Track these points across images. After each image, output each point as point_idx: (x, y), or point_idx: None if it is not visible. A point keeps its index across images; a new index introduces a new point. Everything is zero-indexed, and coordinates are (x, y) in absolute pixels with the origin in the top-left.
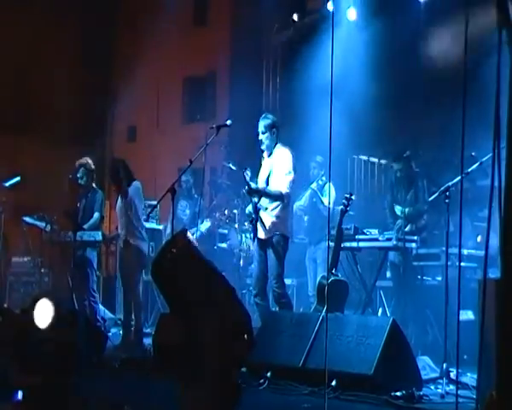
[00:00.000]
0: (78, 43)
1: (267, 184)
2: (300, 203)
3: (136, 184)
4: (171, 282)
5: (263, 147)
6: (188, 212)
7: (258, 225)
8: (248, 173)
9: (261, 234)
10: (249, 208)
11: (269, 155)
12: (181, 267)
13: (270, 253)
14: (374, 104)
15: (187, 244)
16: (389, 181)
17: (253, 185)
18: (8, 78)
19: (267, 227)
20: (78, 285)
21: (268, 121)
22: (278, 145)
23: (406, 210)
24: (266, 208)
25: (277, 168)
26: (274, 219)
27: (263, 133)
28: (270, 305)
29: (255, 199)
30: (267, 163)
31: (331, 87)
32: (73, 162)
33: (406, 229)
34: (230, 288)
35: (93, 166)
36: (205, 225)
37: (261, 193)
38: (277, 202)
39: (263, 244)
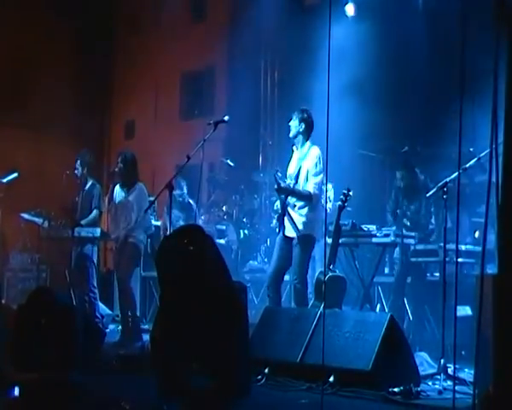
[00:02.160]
0: (76, 39)
1: (296, 180)
2: None
3: (142, 185)
4: (185, 276)
5: (290, 134)
6: (182, 223)
7: (288, 222)
8: (279, 174)
9: (290, 232)
10: (277, 204)
11: (297, 149)
12: (199, 263)
13: (297, 252)
14: (373, 98)
15: (206, 241)
16: (393, 185)
17: (282, 184)
18: (5, 73)
19: (297, 226)
20: (76, 281)
21: (300, 113)
22: (308, 143)
23: (408, 223)
24: (294, 206)
25: (306, 167)
26: (304, 218)
27: (291, 119)
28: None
29: (283, 196)
30: (296, 157)
31: (328, 81)
32: (71, 158)
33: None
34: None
35: (91, 159)
36: None
37: (290, 191)
38: (305, 201)
39: (289, 242)
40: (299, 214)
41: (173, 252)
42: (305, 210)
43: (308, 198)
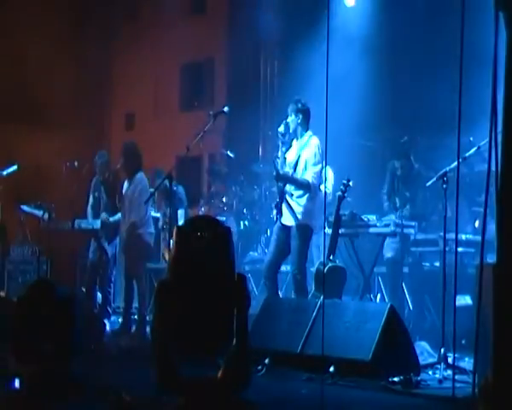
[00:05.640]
0: (75, 31)
1: (294, 169)
2: None
3: (142, 175)
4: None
5: (290, 130)
6: (167, 210)
7: (286, 211)
8: (278, 160)
9: (287, 220)
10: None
11: (297, 140)
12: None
13: (294, 242)
14: (374, 89)
15: (224, 231)
16: (390, 171)
17: (281, 171)
18: (5, 65)
19: (297, 216)
20: (92, 274)
21: (294, 105)
22: (309, 133)
23: (407, 207)
24: (292, 194)
25: (305, 156)
26: (302, 208)
27: (288, 116)
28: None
29: (281, 184)
30: (295, 148)
31: (327, 71)
32: (70, 150)
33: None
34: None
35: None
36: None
37: (288, 179)
38: (303, 190)
39: (286, 231)
40: (297, 203)
41: (190, 241)
42: (304, 200)
43: (306, 187)
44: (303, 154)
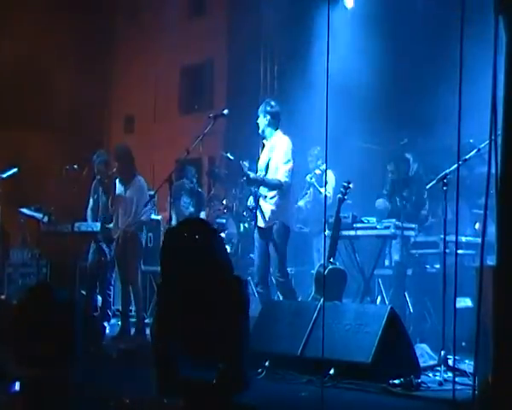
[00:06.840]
0: (76, 34)
1: (266, 171)
2: (310, 200)
3: (141, 178)
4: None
5: (259, 131)
6: (192, 209)
7: (258, 213)
8: (246, 164)
9: (261, 223)
10: (251, 201)
11: (266, 140)
12: (205, 254)
13: (271, 242)
14: (374, 91)
15: (211, 232)
16: (387, 173)
17: (251, 175)
18: (6, 69)
19: (266, 216)
20: (91, 277)
21: (264, 107)
22: (278, 133)
23: (407, 208)
24: (266, 197)
25: (276, 156)
26: (273, 207)
27: (257, 118)
28: (272, 294)
29: (255, 188)
30: (266, 150)
31: (327, 73)
32: (71, 153)
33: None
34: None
35: (109, 158)
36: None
37: (260, 182)
38: (276, 191)
39: (263, 233)
40: (270, 204)
41: (179, 243)
42: (276, 199)
43: (278, 187)
44: (273, 155)
